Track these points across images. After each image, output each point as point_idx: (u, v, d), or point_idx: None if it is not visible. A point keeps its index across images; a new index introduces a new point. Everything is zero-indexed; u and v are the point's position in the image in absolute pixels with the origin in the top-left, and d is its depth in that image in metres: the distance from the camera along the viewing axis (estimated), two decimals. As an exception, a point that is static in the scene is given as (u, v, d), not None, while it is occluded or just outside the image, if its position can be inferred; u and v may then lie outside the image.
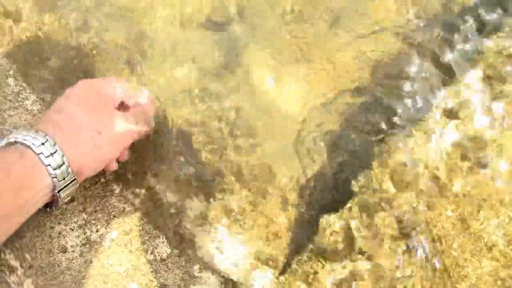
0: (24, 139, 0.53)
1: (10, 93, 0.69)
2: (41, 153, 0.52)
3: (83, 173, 0.58)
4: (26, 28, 0.78)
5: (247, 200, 0.71)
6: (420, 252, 0.61)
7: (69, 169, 0.54)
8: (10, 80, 0.70)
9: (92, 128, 0.57)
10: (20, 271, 0.58)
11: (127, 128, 0.61)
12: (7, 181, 0.50)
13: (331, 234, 0.65)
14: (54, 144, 0.53)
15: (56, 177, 0.53)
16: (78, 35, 0.79)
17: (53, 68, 0.75)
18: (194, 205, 0.69)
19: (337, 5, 0.81)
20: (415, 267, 0.61)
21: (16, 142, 0.53)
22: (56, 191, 0.55)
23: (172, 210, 0.68)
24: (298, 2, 0.82)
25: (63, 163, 0.54)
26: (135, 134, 0.64)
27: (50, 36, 0.78)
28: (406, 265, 0.62)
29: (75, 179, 0.56)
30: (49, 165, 0.53)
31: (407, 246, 0.62)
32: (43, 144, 0.53)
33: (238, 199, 0.71)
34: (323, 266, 0.63)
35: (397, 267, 0.62)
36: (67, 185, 0.56)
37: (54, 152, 0.53)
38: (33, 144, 0.52)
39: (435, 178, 0.63)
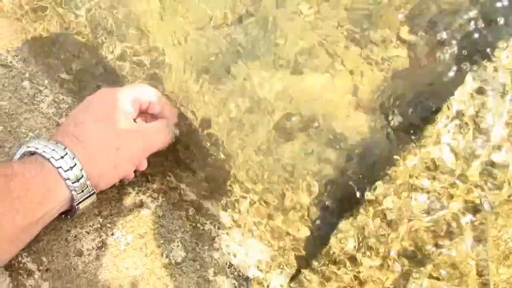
0: (43, 151, 0.53)
1: (25, 96, 0.70)
2: (60, 167, 0.52)
3: (99, 186, 0.58)
4: (48, 29, 0.78)
5: (262, 204, 0.71)
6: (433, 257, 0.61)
7: (88, 182, 0.55)
8: (26, 83, 0.71)
9: (110, 143, 0.57)
10: (37, 275, 0.59)
11: (146, 143, 0.61)
12: (26, 197, 0.50)
13: (343, 240, 0.65)
14: (73, 158, 0.53)
15: (75, 190, 0.54)
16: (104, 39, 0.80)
17: (75, 71, 0.76)
18: (211, 209, 0.70)
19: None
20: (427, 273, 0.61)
21: (35, 152, 0.54)
22: (75, 203, 0.55)
23: (188, 213, 0.68)
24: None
25: (82, 176, 0.54)
26: (154, 147, 0.64)
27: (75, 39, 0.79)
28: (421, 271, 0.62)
29: (94, 192, 0.57)
30: (68, 178, 0.53)
31: (421, 251, 0.62)
32: (62, 157, 0.53)
33: (252, 203, 0.71)
34: (336, 272, 0.63)
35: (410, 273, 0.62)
36: (86, 198, 0.56)
37: (73, 166, 0.53)
38: (52, 157, 0.52)
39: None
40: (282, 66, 0.78)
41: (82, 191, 0.55)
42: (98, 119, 0.57)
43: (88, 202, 0.57)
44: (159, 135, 0.64)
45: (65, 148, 0.53)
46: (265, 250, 0.68)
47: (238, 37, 0.81)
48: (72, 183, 0.53)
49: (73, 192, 0.54)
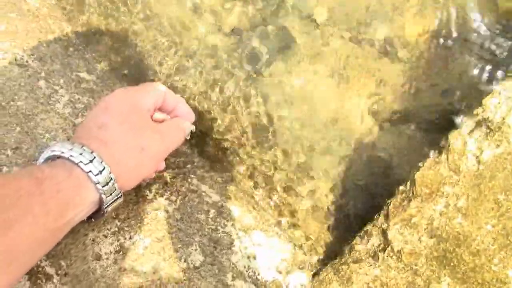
0: (70, 155, 0.52)
1: (41, 96, 0.68)
2: (90, 171, 0.52)
3: (124, 187, 0.58)
4: (75, 29, 0.77)
5: (283, 205, 0.71)
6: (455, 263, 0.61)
7: (116, 185, 0.54)
8: (42, 83, 0.70)
9: (135, 144, 0.57)
10: (56, 279, 0.58)
11: (167, 141, 0.61)
12: (57, 198, 0.49)
13: (367, 238, 0.64)
14: (102, 162, 0.53)
15: (104, 193, 0.53)
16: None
17: (101, 71, 0.75)
18: (233, 210, 0.69)
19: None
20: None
21: (60, 156, 0.53)
22: (104, 207, 0.55)
23: (208, 216, 0.67)
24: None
25: (111, 179, 0.53)
26: (173, 146, 0.63)
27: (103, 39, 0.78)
28: (441, 275, 0.61)
29: (121, 194, 0.56)
30: (98, 182, 0.52)
31: (443, 256, 0.61)
32: (91, 161, 0.52)
33: (273, 204, 0.71)
34: (358, 270, 0.63)
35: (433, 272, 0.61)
36: (114, 200, 0.56)
37: (103, 170, 0.53)
38: (81, 161, 0.52)
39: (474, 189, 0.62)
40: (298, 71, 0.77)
41: (111, 194, 0.54)
42: (120, 120, 0.57)
43: (115, 204, 0.57)
44: (177, 134, 0.64)
45: (92, 152, 0.53)
46: (287, 249, 0.68)
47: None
48: (102, 186, 0.53)
49: (103, 196, 0.53)
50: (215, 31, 0.81)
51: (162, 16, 0.81)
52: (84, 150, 0.53)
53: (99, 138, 0.55)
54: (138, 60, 0.79)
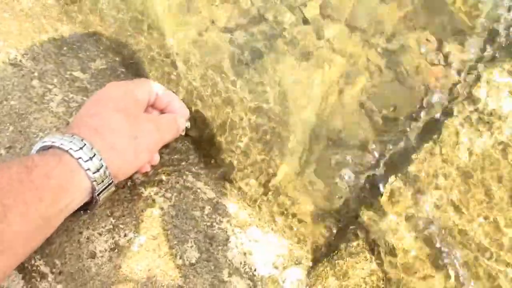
0: (61, 144, 0.52)
1: (35, 95, 0.69)
2: (80, 157, 0.52)
3: (117, 177, 0.57)
4: (72, 28, 0.77)
5: (279, 201, 0.71)
6: (449, 258, 0.61)
7: (107, 172, 0.54)
8: (35, 82, 0.70)
9: (128, 132, 0.57)
10: (50, 277, 0.58)
11: (160, 132, 0.62)
12: (48, 186, 0.49)
13: (363, 233, 0.64)
14: (92, 148, 0.53)
15: (95, 180, 0.53)
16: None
17: (95, 70, 0.75)
18: (228, 206, 0.69)
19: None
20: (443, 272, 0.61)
21: (52, 146, 0.53)
22: (96, 194, 0.55)
23: (203, 212, 0.67)
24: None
25: (102, 166, 0.53)
26: (166, 138, 0.64)
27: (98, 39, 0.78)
28: (435, 270, 0.61)
29: (112, 181, 0.56)
30: (89, 169, 0.52)
31: (437, 250, 0.62)
32: (81, 148, 0.52)
33: (269, 200, 0.71)
34: (354, 265, 0.63)
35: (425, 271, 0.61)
36: (105, 188, 0.55)
37: (93, 156, 0.53)
38: (71, 149, 0.52)
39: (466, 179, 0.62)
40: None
41: (102, 181, 0.54)
42: (113, 109, 0.57)
43: (107, 192, 0.56)
44: (170, 127, 0.64)
45: (82, 140, 0.53)
46: (283, 245, 0.68)
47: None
48: (93, 173, 0.53)
49: (94, 183, 0.53)
50: (209, 29, 0.81)
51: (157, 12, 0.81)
52: (75, 138, 0.53)
53: (90, 125, 0.55)
54: (134, 60, 0.79)
